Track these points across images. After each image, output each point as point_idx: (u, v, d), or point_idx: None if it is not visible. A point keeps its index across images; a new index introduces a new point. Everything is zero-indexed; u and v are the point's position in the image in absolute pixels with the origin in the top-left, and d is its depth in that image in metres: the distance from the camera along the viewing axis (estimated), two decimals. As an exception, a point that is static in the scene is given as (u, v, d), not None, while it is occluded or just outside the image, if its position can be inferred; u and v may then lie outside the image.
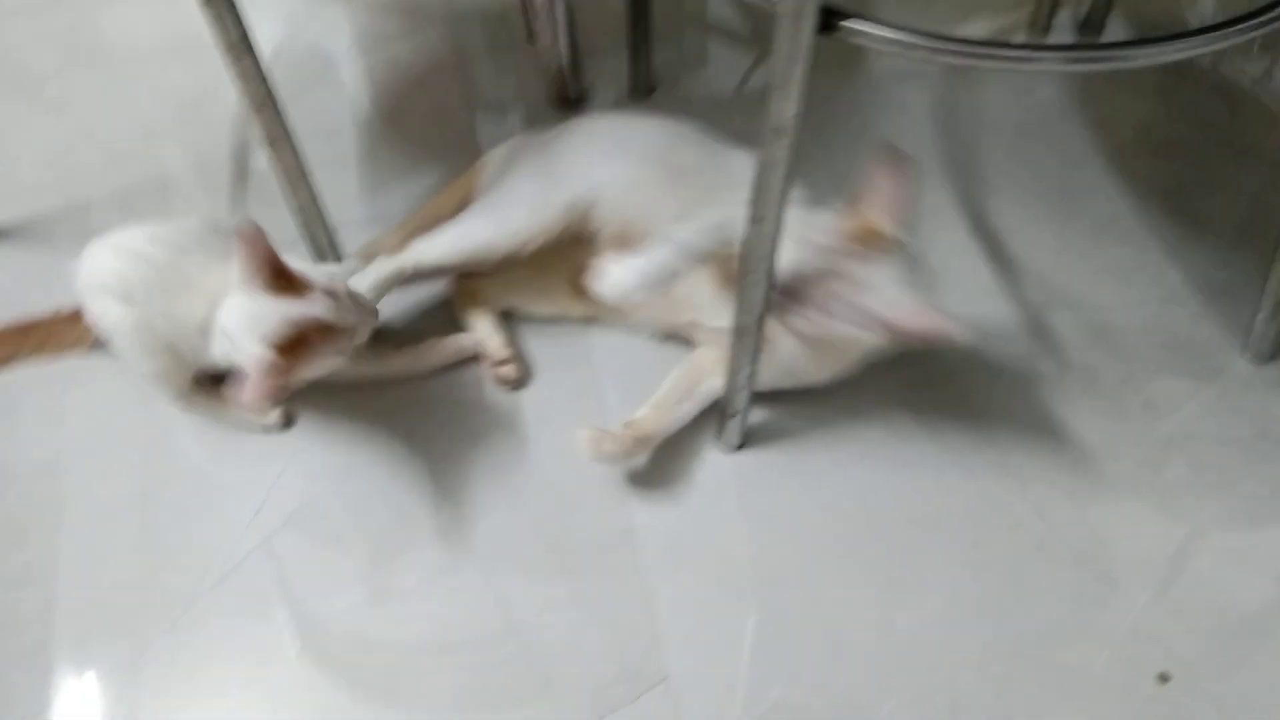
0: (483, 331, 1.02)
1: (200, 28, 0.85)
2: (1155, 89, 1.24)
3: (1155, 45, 0.71)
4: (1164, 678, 0.83)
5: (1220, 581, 0.88)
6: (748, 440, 0.96)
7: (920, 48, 0.69)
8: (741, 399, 0.92)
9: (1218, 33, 0.71)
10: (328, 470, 0.96)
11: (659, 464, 0.94)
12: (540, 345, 1.03)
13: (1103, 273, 1.08)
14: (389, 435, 0.97)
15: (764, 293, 0.81)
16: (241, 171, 1.21)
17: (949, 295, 1.05)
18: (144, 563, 0.90)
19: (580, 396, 1.00)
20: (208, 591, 0.88)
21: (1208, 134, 1.17)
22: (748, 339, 0.85)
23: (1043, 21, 1.34)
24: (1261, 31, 0.72)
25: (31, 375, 1.02)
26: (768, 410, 0.97)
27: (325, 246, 1.06)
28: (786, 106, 0.69)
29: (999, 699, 0.82)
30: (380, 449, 0.96)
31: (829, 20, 0.67)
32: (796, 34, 0.66)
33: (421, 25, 1.38)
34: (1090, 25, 1.33)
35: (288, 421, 0.98)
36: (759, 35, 1.15)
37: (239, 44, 0.88)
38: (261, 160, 1.05)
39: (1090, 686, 0.82)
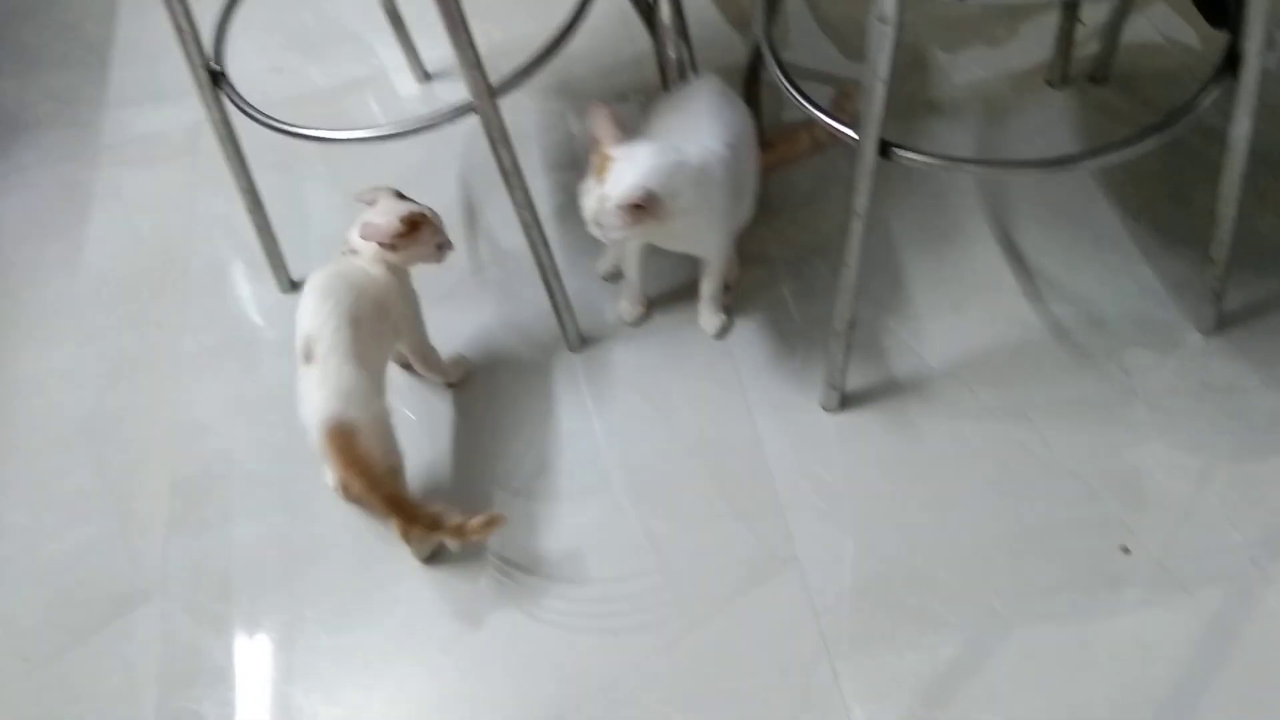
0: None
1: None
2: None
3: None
4: (1126, 550, 1.26)
5: (1171, 489, 1.30)
6: (848, 402, 1.42)
7: (941, 166, 1.14)
8: (839, 380, 1.37)
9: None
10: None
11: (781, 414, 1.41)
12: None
13: (1096, 273, 1.51)
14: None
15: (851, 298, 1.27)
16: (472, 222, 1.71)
17: (986, 296, 1.50)
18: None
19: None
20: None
21: (1182, 162, 1.57)
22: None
23: (1058, 76, 1.75)
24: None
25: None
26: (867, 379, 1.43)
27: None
28: (861, 201, 1.14)
29: (1013, 568, 1.26)
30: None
31: (885, 148, 1.12)
32: (866, 156, 1.11)
33: (582, 105, 1.85)
34: (1096, 78, 1.74)
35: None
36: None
37: (501, 137, 1.32)
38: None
39: (1071, 552, 1.26)
